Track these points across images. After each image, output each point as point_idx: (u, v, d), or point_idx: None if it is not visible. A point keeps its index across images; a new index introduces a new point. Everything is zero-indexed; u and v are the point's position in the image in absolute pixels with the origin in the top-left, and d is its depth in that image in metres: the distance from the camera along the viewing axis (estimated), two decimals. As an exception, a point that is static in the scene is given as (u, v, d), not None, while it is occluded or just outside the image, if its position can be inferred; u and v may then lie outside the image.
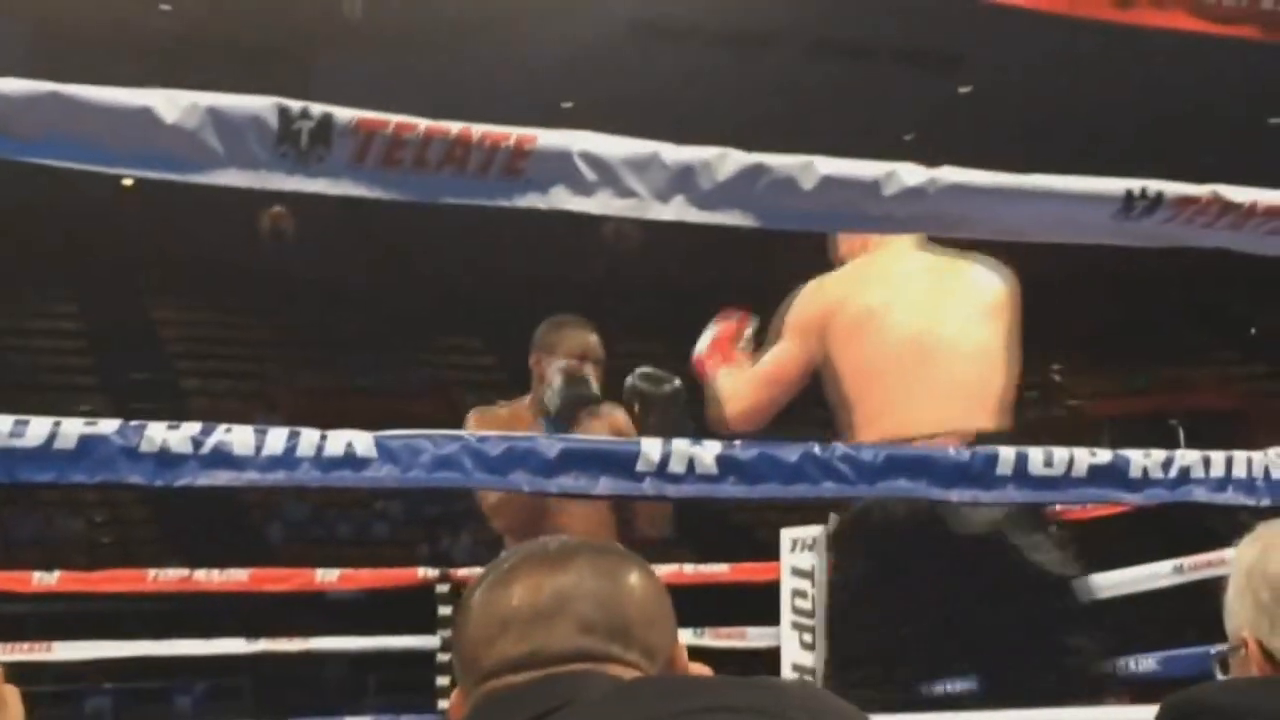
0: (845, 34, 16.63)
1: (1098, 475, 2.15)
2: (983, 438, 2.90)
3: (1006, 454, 2.10)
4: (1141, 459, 2.19)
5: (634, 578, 1.19)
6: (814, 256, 3.53)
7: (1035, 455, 2.12)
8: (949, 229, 2.23)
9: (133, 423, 1.76)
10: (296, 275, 19.60)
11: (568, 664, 1.13)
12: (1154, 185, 2.20)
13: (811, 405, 3.49)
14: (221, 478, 1.76)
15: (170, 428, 1.75)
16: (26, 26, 15.51)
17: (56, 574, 5.69)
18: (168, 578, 5.77)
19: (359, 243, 19.03)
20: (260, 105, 1.85)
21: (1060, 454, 2.14)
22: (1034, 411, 19.93)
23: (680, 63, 16.73)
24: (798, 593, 6.12)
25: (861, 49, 16.92)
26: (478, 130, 1.94)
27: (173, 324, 20.12)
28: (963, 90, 18.17)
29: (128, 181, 16.81)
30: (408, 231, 17.72)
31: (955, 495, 2.06)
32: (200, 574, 5.68)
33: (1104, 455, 2.17)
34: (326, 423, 1.93)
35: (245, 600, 6.84)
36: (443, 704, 4.88)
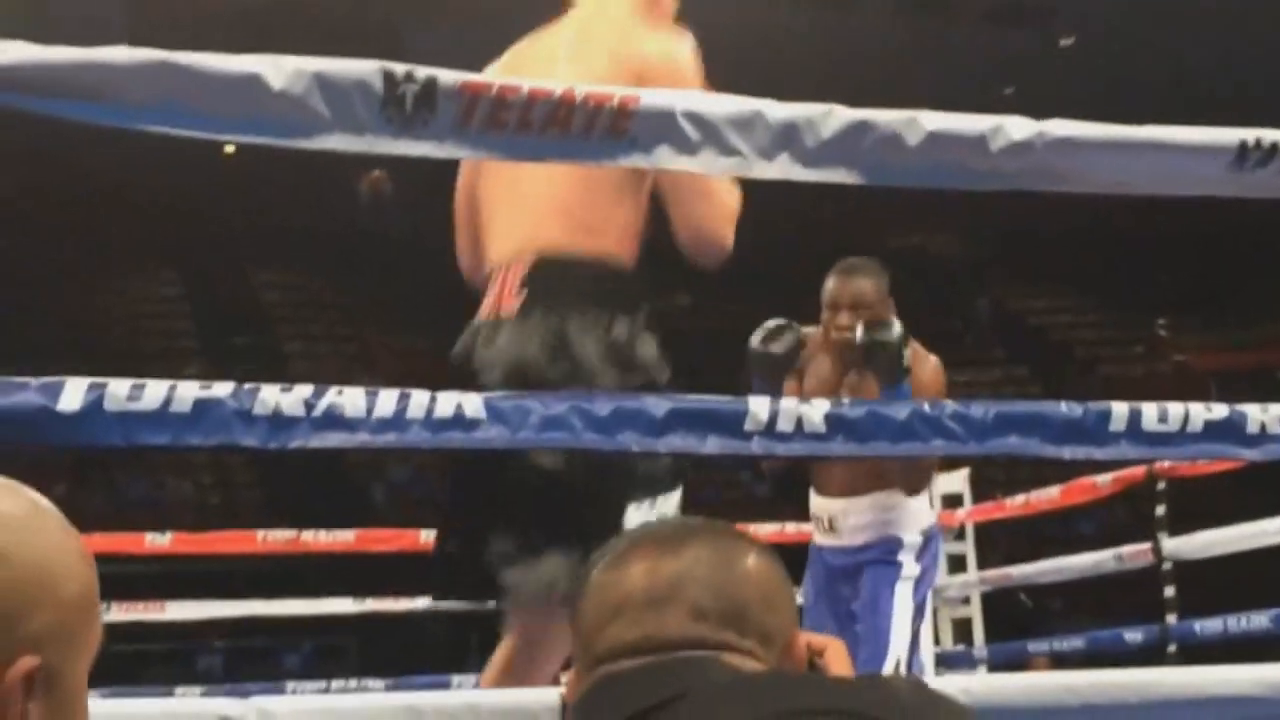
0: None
1: (1214, 431, 2.11)
2: (542, 262, 2.47)
3: (1120, 410, 2.07)
4: (1259, 414, 2.15)
5: (751, 562, 1.18)
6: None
7: (1149, 411, 2.09)
8: (1058, 183, 2.19)
9: (246, 385, 1.77)
10: (395, 238, 19.74)
11: (681, 650, 1.12)
12: (1269, 135, 2.15)
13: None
14: (333, 439, 1.78)
15: (283, 390, 1.77)
16: (120, 3, 15.71)
17: (169, 535, 5.79)
18: (276, 539, 5.85)
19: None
20: (365, 69, 1.86)
21: (1175, 410, 2.10)
22: (1139, 367, 19.67)
23: (769, 21, 16.60)
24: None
25: (951, 4, 16.69)
26: (581, 91, 1.94)
27: (273, 288, 20.35)
28: (1064, 43, 17.87)
29: (229, 148, 17.00)
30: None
31: (1068, 452, 2.04)
32: (308, 535, 5.76)
33: (1220, 410, 2.13)
34: (426, 385, 1.93)
35: (350, 560, 6.92)
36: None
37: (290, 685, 6.35)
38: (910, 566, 3.82)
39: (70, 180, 17.94)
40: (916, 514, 3.92)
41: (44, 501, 0.86)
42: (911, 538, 3.88)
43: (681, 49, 2.59)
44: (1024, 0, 16.59)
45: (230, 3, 15.53)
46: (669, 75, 2.43)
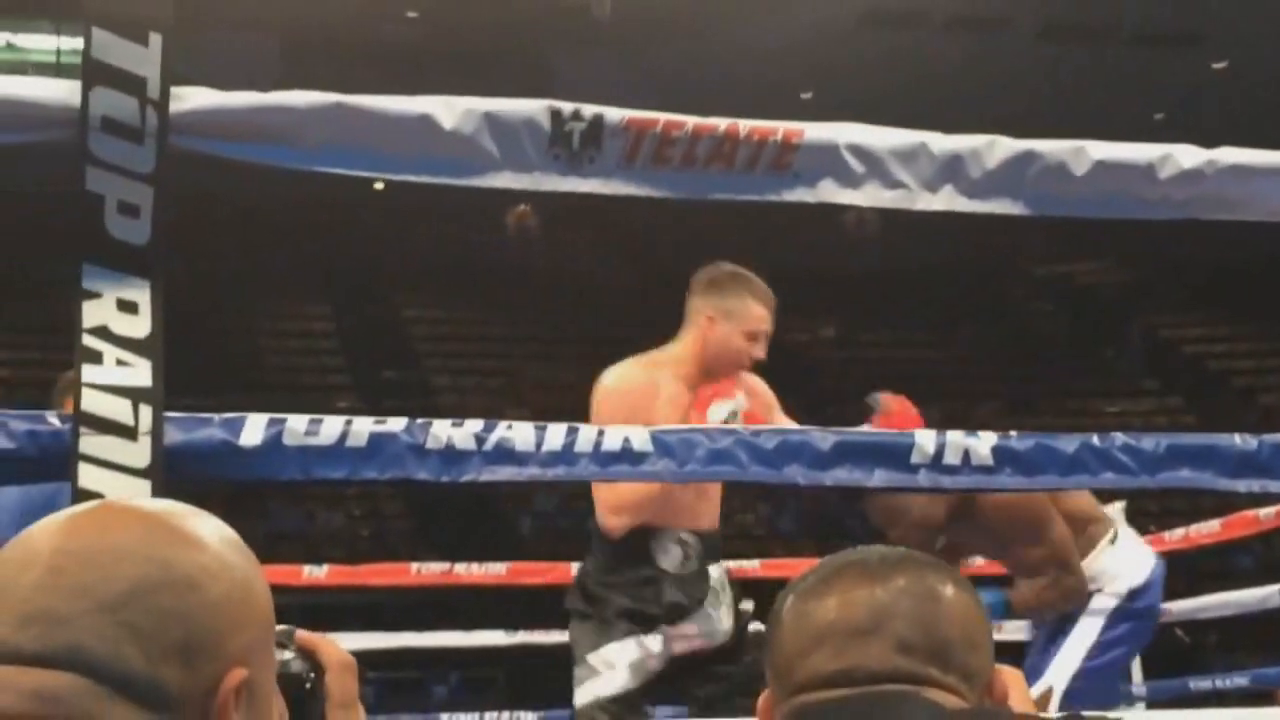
0: (1080, 15, 16.23)
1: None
2: None
3: (1294, 442, 2.03)
4: None
5: (955, 598, 1.16)
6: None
7: (1322, 445, 2.04)
8: (1229, 211, 2.16)
9: (419, 420, 1.81)
10: (540, 271, 19.93)
11: (884, 684, 1.11)
12: None
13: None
14: (504, 473, 1.80)
15: (454, 425, 1.80)
16: (276, 38, 16.07)
17: (325, 567, 5.88)
18: (430, 571, 5.91)
19: (604, 239, 19.26)
20: (533, 108, 1.89)
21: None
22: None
23: (916, 49, 16.52)
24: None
25: (1098, 30, 16.48)
26: (745, 126, 1.95)
27: (421, 322, 20.64)
28: (1216, 66, 17.55)
29: (379, 185, 17.30)
30: (654, 227, 17.86)
31: (1243, 485, 2.00)
32: (460, 567, 5.81)
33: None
34: (572, 418, 1.95)
35: (492, 592, 6.97)
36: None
37: (444, 717, 6.40)
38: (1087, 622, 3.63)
39: (227, 216, 18.38)
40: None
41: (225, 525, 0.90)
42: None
43: None
44: (1170, 26, 16.32)
45: (379, 37, 15.82)
46: None
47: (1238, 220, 2.24)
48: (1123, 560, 3.60)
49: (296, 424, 1.75)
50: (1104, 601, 3.57)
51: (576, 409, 2.86)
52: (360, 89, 1.91)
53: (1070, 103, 15.41)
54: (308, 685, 0.93)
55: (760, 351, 3.19)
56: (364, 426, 1.77)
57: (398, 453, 1.77)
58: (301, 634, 0.97)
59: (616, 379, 3.25)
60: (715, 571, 3.21)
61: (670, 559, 3.16)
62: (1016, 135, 2.09)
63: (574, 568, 5.92)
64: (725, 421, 3.04)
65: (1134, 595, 3.58)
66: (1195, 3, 15.48)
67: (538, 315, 19.87)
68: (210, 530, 0.87)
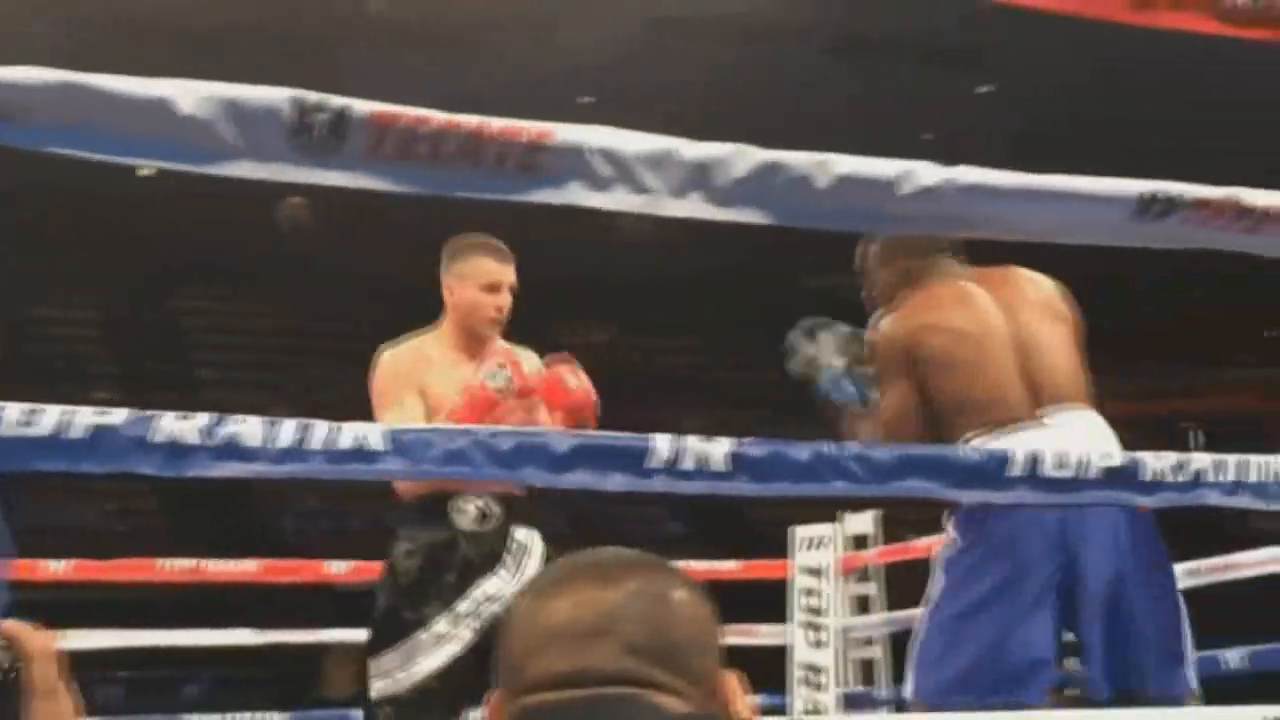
0: (863, 33, 16.61)
1: (1111, 477, 2.14)
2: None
3: (1019, 455, 2.10)
4: (1154, 461, 2.19)
5: (687, 601, 1.17)
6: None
7: (1048, 457, 2.12)
8: (965, 229, 2.23)
9: (144, 413, 1.76)
10: (314, 266, 19.64)
11: (611, 686, 1.11)
12: (1171, 187, 2.19)
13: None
14: (232, 469, 1.76)
15: (181, 418, 1.75)
16: (61, 21, 15.55)
17: (69, 563, 5.71)
18: (179, 567, 5.78)
19: (378, 233, 19.07)
20: (276, 97, 1.85)
21: (1073, 456, 2.13)
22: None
23: (700, 59, 16.71)
24: (808, 591, 6.14)
25: (881, 47, 16.89)
26: (494, 125, 1.94)
27: (189, 314, 20.16)
28: (981, 90, 18.12)
29: (144, 172, 16.86)
30: (429, 226, 17.77)
31: (967, 496, 2.06)
32: (211, 564, 5.70)
33: (1117, 457, 2.16)
34: (342, 416, 1.92)
35: (256, 591, 6.85)
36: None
37: (191, 718, 6.26)
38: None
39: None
40: None
41: None
42: None
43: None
44: (949, 46, 16.80)
45: (158, 24, 15.43)
46: None
47: (979, 239, 2.32)
48: None
49: (11, 413, 1.69)
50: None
51: (345, 405, 2.85)
52: (148, 75, 1.85)
53: (851, 119, 15.75)
54: (9, 676, 0.91)
55: (503, 300, 3.35)
56: (84, 418, 1.71)
57: (120, 446, 1.72)
58: (4, 624, 0.94)
59: (389, 354, 3.45)
60: (522, 534, 3.27)
61: (466, 518, 3.24)
62: (798, 149, 2.12)
63: (330, 567, 5.88)
64: (494, 378, 3.17)
65: None
66: (971, 25, 15.94)
67: (309, 310, 19.57)
68: None
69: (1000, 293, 3.16)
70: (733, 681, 1.19)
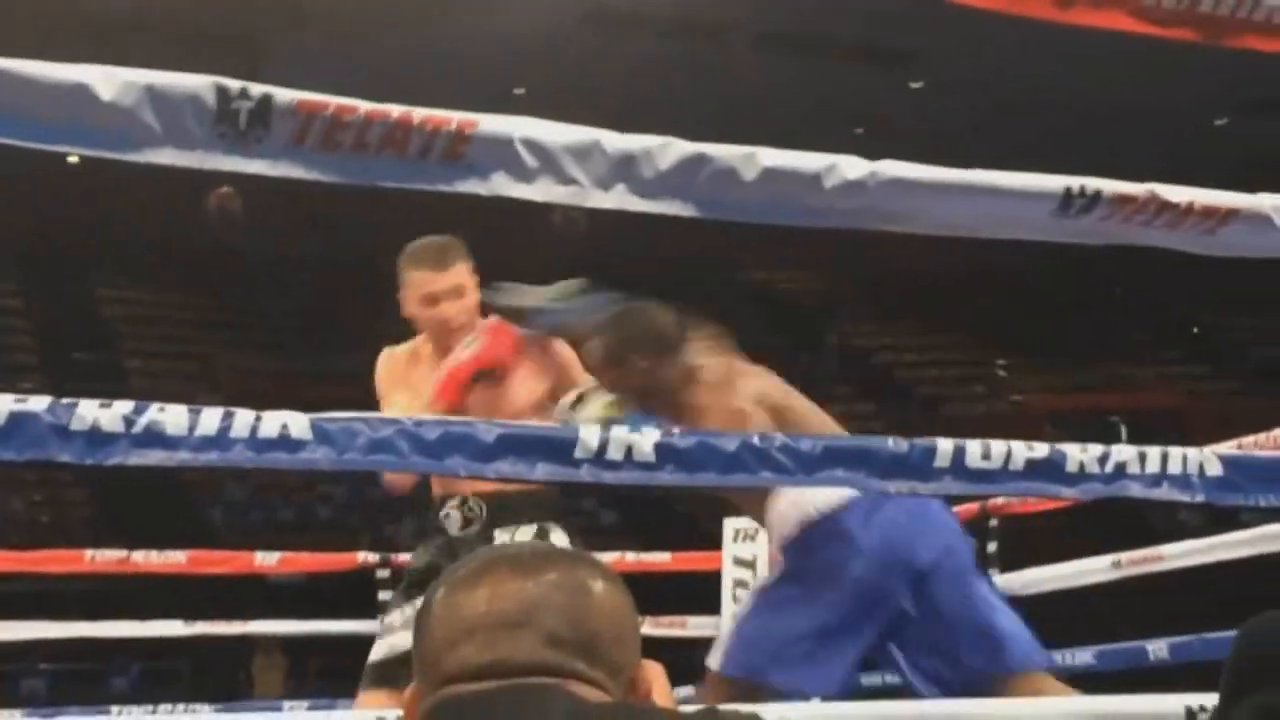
0: (795, 27, 16.66)
1: (1035, 469, 2.16)
2: None
3: (944, 446, 2.11)
4: (1078, 453, 2.21)
5: (605, 592, 1.17)
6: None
7: (973, 448, 2.13)
8: (889, 223, 2.24)
9: (64, 400, 1.74)
10: (242, 255, 19.47)
11: (530, 676, 1.11)
12: (1092, 183, 2.22)
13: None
14: (154, 457, 1.74)
15: (102, 406, 1.74)
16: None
17: (-6, 553, 5.65)
18: (106, 558, 5.71)
19: (306, 223, 18.94)
20: (198, 84, 1.83)
21: (998, 447, 2.15)
22: (979, 406, 20.07)
23: (631, 51, 16.71)
24: (739, 583, 6.14)
25: (812, 43, 16.95)
26: (419, 114, 1.93)
27: (115, 303, 19.95)
28: (914, 85, 18.23)
29: (73, 158, 16.70)
30: (357, 214, 17.67)
31: (893, 487, 2.07)
32: (139, 555, 5.64)
33: (1041, 449, 2.18)
34: (269, 405, 1.90)
35: (184, 583, 6.80)
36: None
37: (116, 709, 6.19)
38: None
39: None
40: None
41: None
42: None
43: None
44: (880, 43, 16.88)
45: (80, 11, 15.23)
46: None
47: (908, 234, 2.33)
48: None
49: (-72, 400, 1.67)
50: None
51: (273, 395, 2.82)
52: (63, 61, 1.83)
53: (778, 114, 15.78)
54: None
55: (443, 311, 3.28)
56: (3, 405, 1.69)
57: (39, 433, 1.70)
58: None
59: (385, 355, 3.45)
60: (504, 537, 3.25)
61: (452, 523, 3.24)
62: (729, 143, 2.13)
63: (258, 558, 5.83)
64: (467, 347, 3.17)
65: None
66: (903, 23, 16.02)
67: (236, 299, 19.41)
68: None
69: None
70: (653, 672, 1.20)
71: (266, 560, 5.78)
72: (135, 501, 14.53)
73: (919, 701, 2.23)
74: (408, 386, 3.32)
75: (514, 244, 18.58)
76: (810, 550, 2.97)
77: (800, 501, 3.01)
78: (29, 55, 1.83)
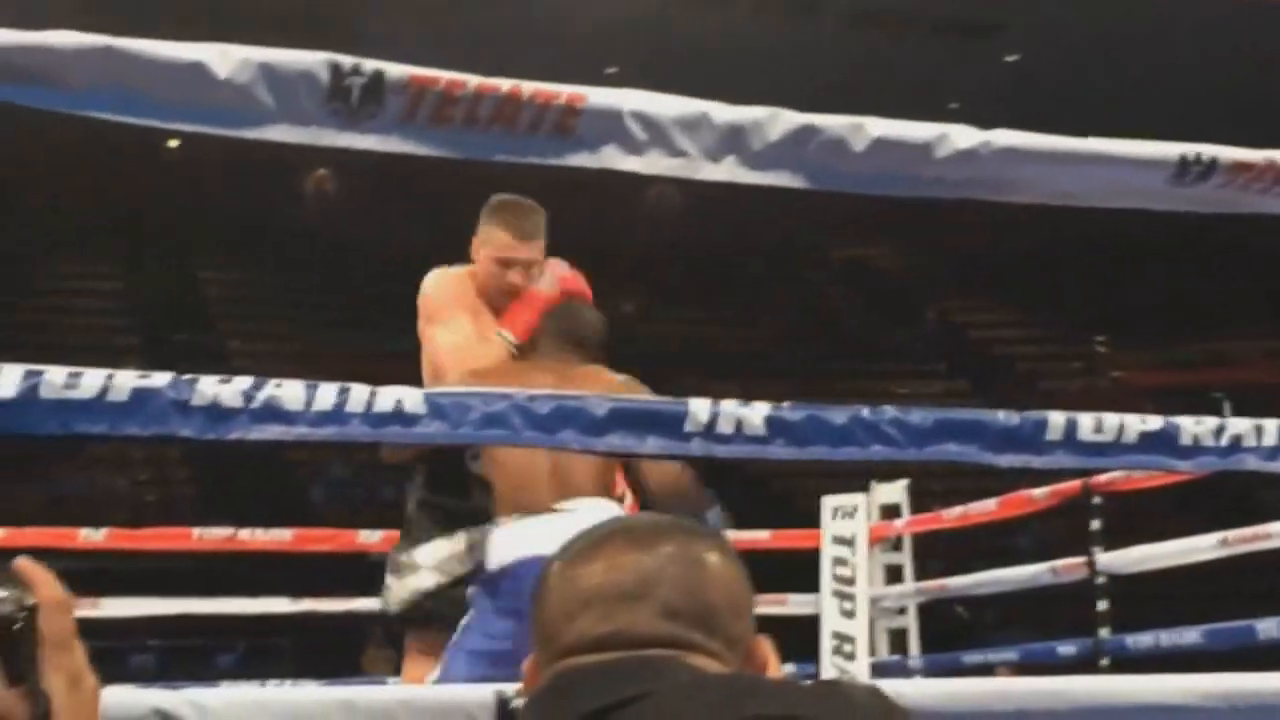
0: (889, 2, 16.54)
1: (1148, 442, 2.13)
2: None
3: (1056, 419, 2.08)
4: (1193, 426, 2.17)
5: (721, 565, 1.17)
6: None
7: (1085, 421, 2.10)
8: (1001, 192, 2.21)
9: (185, 376, 1.76)
10: (340, 237, 19.66)
11: (649, 648, 1.11)
12: (1208, 150, 2.18)
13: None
14: (272, 432, 1.76)
15: (221, 381, 1.76)
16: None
17: (103, 531, 5.74)
18: (212, 536, 5.80)
19: (405, 205, 19.07)
20: (312, 61, 1.85)
21: (1110, 420, 2.12)
22: (1077, 381, 19.84)
23: (723, 29, 16.65)
24: (838, 560, 6.13)
25: (904, 17, 16.82)
26: (528, 88, 1.93)
27: (215, 284, 20.21)
28: (1009, 59, 18.02)
29: (172, 142, 16.90)
30: (457, 195, 17.77)
31: (1005, 460, 2.05)
32: (244, 533, 5.72)
33: (1155, 422, 2.15)
34: (368, 384, 1.91)
35: (284, 560, 6.88)
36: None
37: (224, 686, 6.29)
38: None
39: (14, 173, 17.77)
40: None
41: None
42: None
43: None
44: (970, 16, 16.71)
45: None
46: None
47: (1022, 206, 2.30)
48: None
49: (55, 376, 1.69)
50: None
51: (373, 376, 2.85)
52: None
53: (872, 89, 15.65)
54: (17, 625, 0.88)
55: (516, 278, 3.23)
56: (126, 381, 1.72)
57: (161, 408, 1.72)
58: (20, 563, 0.91)
59: (442, 273, 3.39)
60: None
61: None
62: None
63: (362, 536, 5.89)
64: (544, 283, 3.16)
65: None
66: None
67: (336, 281, 19.60)
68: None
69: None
70: (767, 645, 1.20)
71: (370, 538, 5.83)
72: (238, 480, 14.73)
73: (1033, 679, 2.21)
74: (471, 310, 3.28)
75: (610, 225, 18.63)
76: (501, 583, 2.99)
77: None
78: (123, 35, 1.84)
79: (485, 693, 1.75)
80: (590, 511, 2.98)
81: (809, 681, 1.17)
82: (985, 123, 2.31)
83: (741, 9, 16.53)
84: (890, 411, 2.04)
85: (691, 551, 1.16)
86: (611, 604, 1.13)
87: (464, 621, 3.02)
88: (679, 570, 1.14)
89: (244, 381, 1.77)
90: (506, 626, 2.90)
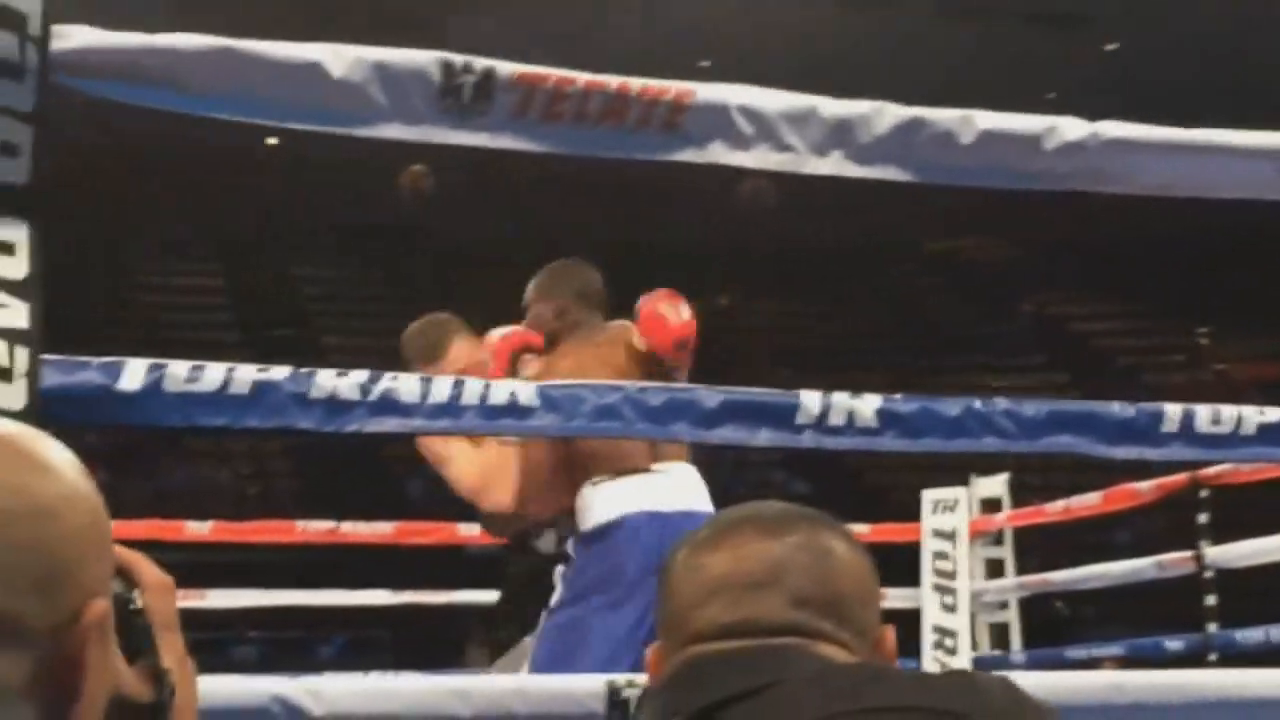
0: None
1: (1268, 434, 2.10)
2: None
3: (1172, 411, 2.07)
4: (1313, 418, 2.15)
5: (849, 554, 1.17)
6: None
7: (1202, 412, 2.08)
8: (1110, 184, 2.19)
9: (302, 370, 1.79)
10: (435, 233, 19.80)
11: (778, 637, 1.11)
12: (1321, 139, 2.15)
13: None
14: (389, 424, 1.79)
15: (339, 375, 1.79)
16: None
17: (209, 524, 5.83)
18: (315, 529, 5.88)
19: (499, 202, 19.19)
20: (424, 60, 1.87)
21: (1228, 411, 2.10)
22: (1180, 375, 19.57)
23: (812, 22, 16.59)
24: (939, 554, 6.10)
25: (992, 9, 16.66)
26: (636, 84, 1.95)
27: (313, 282, 20.43)
28: (1108, 48, 17.80)
29: (271, 140, 17.09)
30: (544, 194, 17.85)
31: (1121, 452, 2.03)
32: (346, 526, 5.79)
33: (1273, 414, 2.12)
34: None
35: (383, 553, 6.95)
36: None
37: (328, 676, 6.36)
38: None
39: (116, 166, 18.07)
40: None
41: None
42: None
43: None
44: (1066, 5, 16.53)
45: (256, 3, 15.60)
46: None
47: (1121, 197, 2.28)
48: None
49: (178, 370, 1.73)
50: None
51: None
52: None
53: (965, 81, 15.52)
54: (133, 606, 0.89)
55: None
56: (247, 374, 1.75)
57: (280, 401, 1.75)
58: (119, 551, 0.93)
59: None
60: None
61: (545, 542, 3.34)
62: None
63: (460, 529, 5.94)
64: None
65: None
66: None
67: (431, 277, 19.75)
68: (60, 455, 0.83)
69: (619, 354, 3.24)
70: (893, 635, 1.19)
71: (469, 531, 5.88)
72: (338, 474, 14.89)
73: (1147, 672, 2.19)
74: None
75: (703, 222, 18.64)
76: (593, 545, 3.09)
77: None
78: (217, 35, 1.87)
79: (597, 682, 1.76)
80: (682, 473, 3.15)
81: (940, 671, 1.17)
82: (1083, 113, 2.29)
83: (829, 1, 16.46)
84: (1003, 403, 2.03)
85: (819, 541, 1.17)
86: (740, 592, 1.13)
87: (558, 591, 3.11)
88: (808, 559, 1.15)
89: (361, 375, 1.80)
90: (606, 579, 3.01)
